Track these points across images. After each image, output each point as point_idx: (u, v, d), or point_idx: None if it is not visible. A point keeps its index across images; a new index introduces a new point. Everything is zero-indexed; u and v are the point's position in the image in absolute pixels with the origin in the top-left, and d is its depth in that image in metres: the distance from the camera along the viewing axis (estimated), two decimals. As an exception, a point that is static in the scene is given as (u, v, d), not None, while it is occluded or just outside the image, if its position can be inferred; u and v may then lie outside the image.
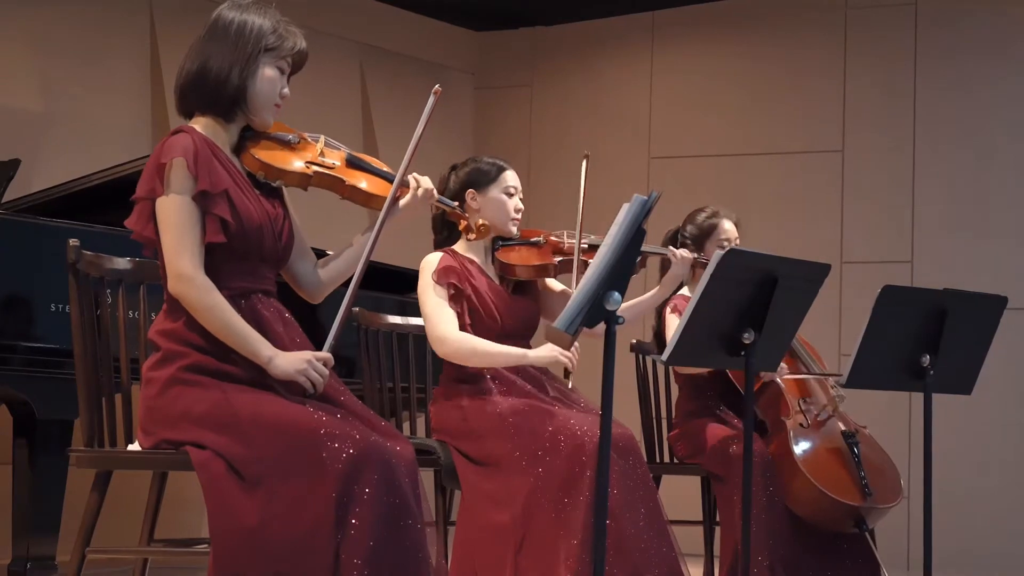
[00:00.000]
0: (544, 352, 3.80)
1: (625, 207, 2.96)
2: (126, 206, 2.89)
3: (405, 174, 3.10)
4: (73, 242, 3.14)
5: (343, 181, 3.05)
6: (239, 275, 2.94)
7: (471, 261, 3.95)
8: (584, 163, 4.09)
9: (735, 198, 6.85)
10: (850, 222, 7.01)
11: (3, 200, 4.72)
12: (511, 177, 3.99)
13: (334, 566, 2.70)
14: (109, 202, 4.71)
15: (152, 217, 2.92)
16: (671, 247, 4.26)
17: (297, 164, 3.02)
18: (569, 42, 7.87)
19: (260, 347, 2.87)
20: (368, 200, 3.09)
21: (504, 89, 8.01)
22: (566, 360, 3.78)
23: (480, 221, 3.50)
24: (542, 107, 7.89)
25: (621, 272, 2.94)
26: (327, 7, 6.93)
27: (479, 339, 3.81)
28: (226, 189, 2.92)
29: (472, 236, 3.55)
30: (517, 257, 3.97)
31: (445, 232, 4.03)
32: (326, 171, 3.04)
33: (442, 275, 3.84)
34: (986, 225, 6.75)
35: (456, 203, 3.58)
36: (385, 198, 3.08)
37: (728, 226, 4.61)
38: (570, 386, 3.85)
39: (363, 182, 3.09)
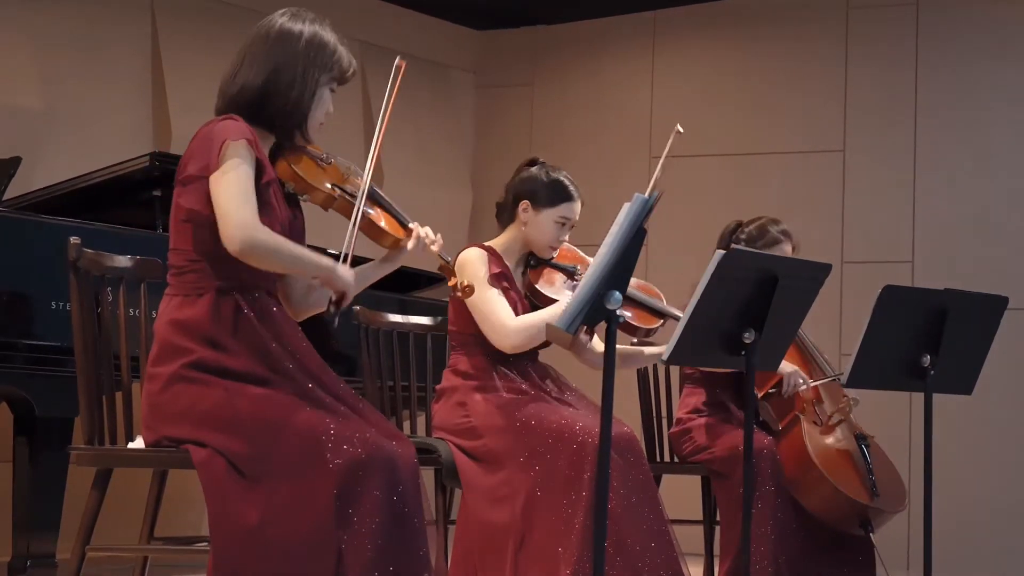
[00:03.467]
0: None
1: (626, 206, 2.96)
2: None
3: (378, 151, 3.06)
4: (74, 240, 3.13)
5: (364, 212, 3.04)
6: (249, 271, 2.92)
7: (507, 267, 3.93)
8: (672, 137, 4.01)
9: (736, 198, 6.86)
10: (851, 222, 7.01)
11: (4, 198, 4.72)
12: (570, 209, 3.89)
13: (336, 567, 2.69)
14: (110, 200, 4.73)
15: (205, 196, 2.87)
16: None
17: (326, 185, 3.02)
18: (570, 41, 7.87)
19: (324, 260, 2.94)
20: (380, 236, 3.09)
21: (505, 88, 8.01)
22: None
23: (465, 282, 3.23)
24: (543, 106, 7.89)
25: (622, 271, 2.94)
26: (327, 5, 6.92)
27: (526, 318, 3.79)
28: (271, 181, 2.93)
29: (457, 294, 3.35)
30: (547, 285, 3.92)
31: (503, 218, 3.99)
32: (349, 198, 3.03)
33: (496, 280, 3.82)
34: (987, 225, 6.75)
35: (451, 259, 3.39)
36: (395, 237, 3.09)
37: (788, 250, 4.60)
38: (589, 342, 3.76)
39: (381, 219, 3.09)
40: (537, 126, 7.88)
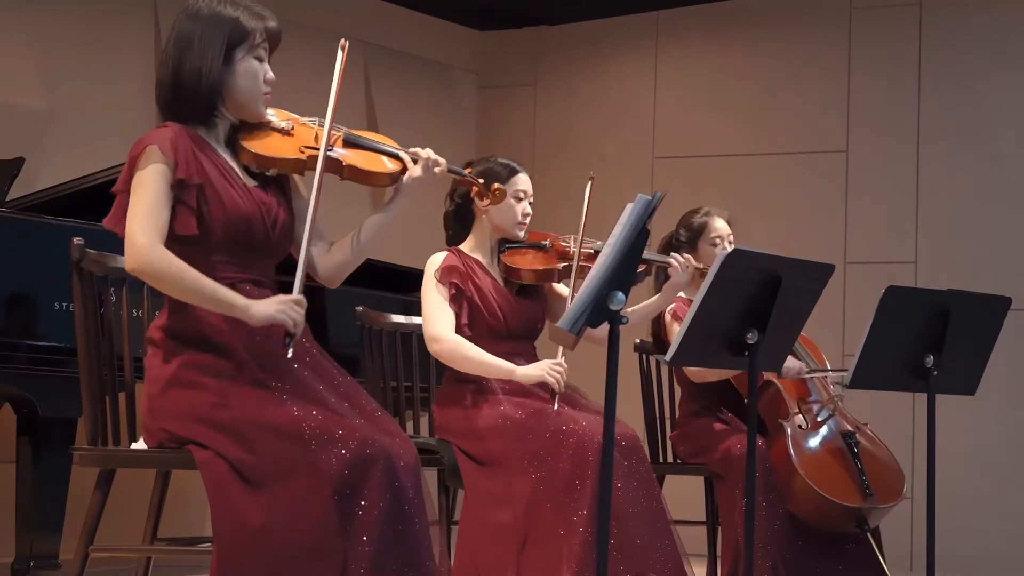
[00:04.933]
0: (532, 370, 3.81)
1: (629, 207, 2.96)
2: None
3: (331, 130, 2.99)
4: (77, 240, 3.14)
5: (339, 162, 2.98)
6: (227, 266, 2.91)
7: (476, 261, 3.95)
8: (589, 185, 4.07)
9: (739, 198, 6.85)
10: (854, 222, 7.01)
11: (7, 198, 4.72)
12: (521, 181, 3.99)
13: (341, 570, 2.69)
14: (113, 201, 4.72)
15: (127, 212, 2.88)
16: (673, 255, 4.22)
17: (291, 151, 2.97)
18: (573, 41, 7.86)
19: (234, 298, 2.83)
20: (368, 178, 3.03)
21: (508, 88, 8.01)
22: (552, 380, 3.78)
23: (495, 185, 3.48)
24: (546, 106, 7.89)
25: (625, 272, 2.94)
26: (330, 5, 6.93)
27: (472, 346, 3.82)
28: (206, 182, 2.88)
29: (486, 202, 3.50)
30: (522, 261, 3.97)
31: (457, 227, 4.03)
32: (318, 151, 2.96)
33: (445, 274, 3.85)
34: (990, 226, 6.75)
35: (467, 169, 3.50)
36: (387, 173, 3.03)
37: (719, 224, 4.61)
38: (555, 407, 3.78)
39: (361, 160, 3.03)
40: (540, 126, 7.88)
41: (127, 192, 2.88)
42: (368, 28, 7.25)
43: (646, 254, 4.05)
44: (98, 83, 6.19)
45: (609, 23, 7.76)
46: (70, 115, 6.06)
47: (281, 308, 2.83)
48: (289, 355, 2.84)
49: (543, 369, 3.79)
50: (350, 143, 3.05)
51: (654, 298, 4.21)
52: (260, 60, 2.98)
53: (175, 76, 2.93)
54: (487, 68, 8.08)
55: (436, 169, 3.08)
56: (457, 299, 3.86)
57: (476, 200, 3.87)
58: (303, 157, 2.97)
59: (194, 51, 2.92)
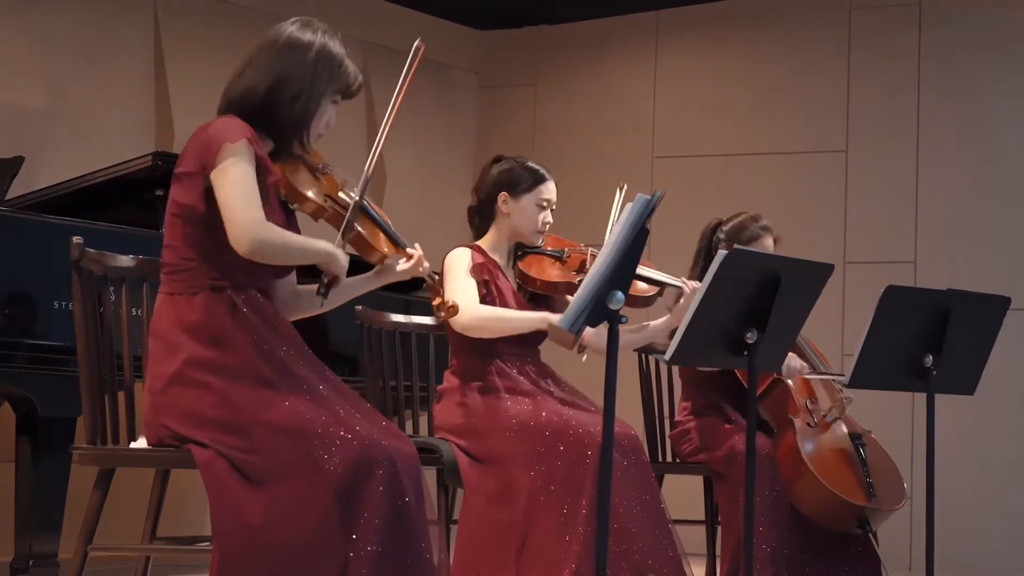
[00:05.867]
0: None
1: (628, 206, 2.96)
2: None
3: (384, 136, 3.12)
4: (76, 239, 3.14)
5: (352, 225, 3.06)
6: (242, 269, 2.93)
7: (495, 263, 3.95)
8: (619, 194, 4.05)
9: (738, 198, 6.85)
10: (853, 222, 7.01)
11: (7, 197, 4.72)
12: (547, 190, 3.96)
13: (342, 570, 2.69)
14: (113, 199, 4.72)
15: (200, 192, 2.88)
16: (684, 279, 4.13)
17: (317, 195, 3.03)
18: (573, 41, 7.87)
19: (323, 244, 2.97)
20: (367, 251, 3.12)
21: (508, 88, 8.01)
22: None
23: (450, 302, 3.30)
24: (546, 106, 7.89)
25: (624, 271, 2.94)
26: (331, 5, 6.93)
27: (497, 308, 3.82)
28: (260, 188, 2.92)
29: (441, 315, 3.32)
30: (538, 270, 3.95)
31: (477, 221, 4.03)
32: (340, 211, 3.05)
33: (477, 271, 3.86)
34: (990, 226, 6.75)
35: (437, 276, 3.42)
36: (382, 253, 3.12)
37: (768, 243, 4.56)
38: (584, 359, 3.78)
39: (367, 231, 3.10)
40: (540, 126, 7.88)
41: (200, 176, 2.87)
42: (367, 27, 7.25)
43: (660, 276, 4.00)
44: (98, 83, 6.18)
45: (609, 23, 7.76)
46: (70, 115, 6.06)
47: (346, 266, 3.02)
48: (322, 305, 3.04)
49: None
50: (364, 212, 3.12)
51: (661, 319, 4.10)
52: (335, 103, 3.05)
53: (273, 95, 2.95)
54: (487, 68, 8.08)
55: (419, 269, 3.18)
56: (483, 299, 3.85)
57: (433, 309, 3.66)
58: (324, 206, 3.04)
59: (302, 80, 2.96)
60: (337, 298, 3.15)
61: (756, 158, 7.26)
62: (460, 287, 3.82)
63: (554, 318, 3.72)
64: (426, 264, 3.19)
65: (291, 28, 3.01)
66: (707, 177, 7.26)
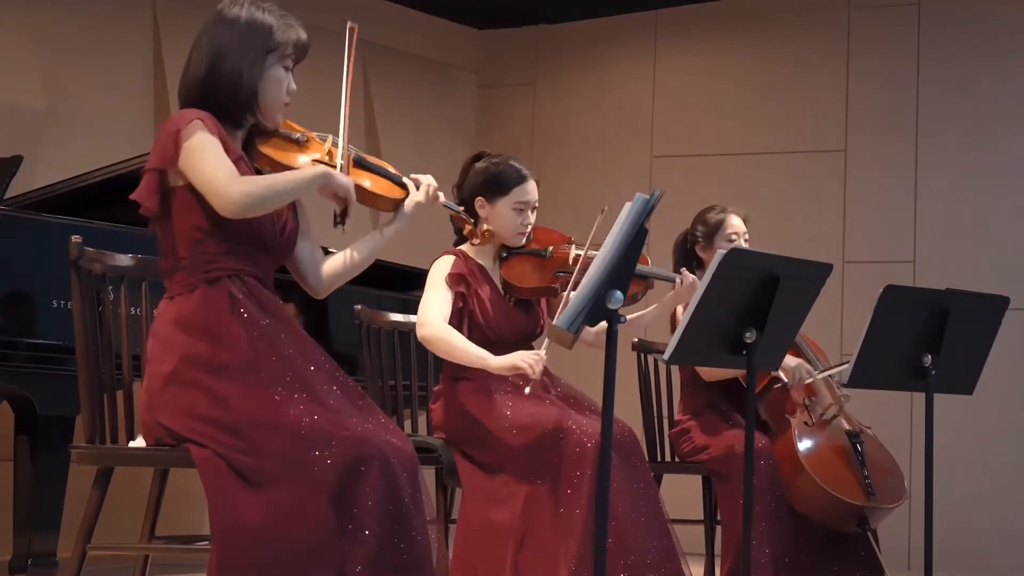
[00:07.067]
0: (503, 361, 3.65)
1: (627, 206, 2.96)
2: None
3: (348, 129, 3.08)
4: (75, 238, 3.14)
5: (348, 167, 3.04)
6: (236, 257, 2.92)
7: (480, 267, 3.92)
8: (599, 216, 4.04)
9: (737, 197, 6.82)
10: (852, 222, 7.01)
11: (5, 196, 4.72)
12: (523, 192, 3.90)
13: (339, 569, 2.69)
14: (112, 198, 4.72)
15: (160, 190, 2.90)
16: (681, 270, 4.15)
17: (304, 162, 3.02)
18: (572, 40, 7.87)
19: (315, 170, 2.94)
20: (374, 200, 3.10)
21: (507, 87, 8.01)
22: (525, 366, 3.60)
23: (485, 227, 3.46)
24: (545, 105, 7.89)
25: (623, 271, 2.94)
26: (330, 4, 6.93)
27: (456, 334, 3.76)
28: (238, 158, 2.93)
29: (476, 242, 3.49)
30: (520, 275, 3.90)
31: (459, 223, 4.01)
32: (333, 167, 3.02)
33: (453, 281, 3.83)
34: (988, 225, 6.75)
35: (461, 207, 3.53)
36: (392, 198, 3.10)
37: (736, 221, 4.62)
38: (527, 391, 3.69)
39: (368, 182, 3.09)
40: (539, 125, 7.88)
41: (158, 172, 2.88)
42: (368, 27, 7.22)
43: (654, 270, 4.01)
44: (97, 82, 6.18)
45: (608, 22, 7.77)
46: (70, 114, 6.06)
47: (350, 183, 2.98)
48: (343, 233, 3.01)
49: (518, 356, 3.65)
50: (359, 164, 3.11)
51: (651, 308, 4.12)
52: (287, 70, 3.03)
53: (212, 73, 2.96)
54: (486, 67, 8.08)
55: (435, 195, 3.18)
56: (459, 310, 3.83)
57: (469, 239, 3.80)
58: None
59: (234, 52, 2.96)
60: (367, 259, 3.12)
61: (755, 158, 7.26)
62: (433, 296, 3.80)
63: (494, 362, 3.66)
64: (435, 187, 3.18)
65: (219, 9, 3.03)
66: (706, 176, 7.26)
